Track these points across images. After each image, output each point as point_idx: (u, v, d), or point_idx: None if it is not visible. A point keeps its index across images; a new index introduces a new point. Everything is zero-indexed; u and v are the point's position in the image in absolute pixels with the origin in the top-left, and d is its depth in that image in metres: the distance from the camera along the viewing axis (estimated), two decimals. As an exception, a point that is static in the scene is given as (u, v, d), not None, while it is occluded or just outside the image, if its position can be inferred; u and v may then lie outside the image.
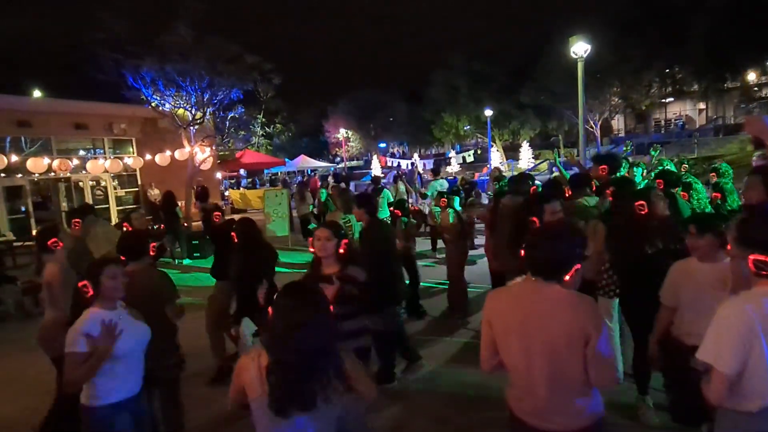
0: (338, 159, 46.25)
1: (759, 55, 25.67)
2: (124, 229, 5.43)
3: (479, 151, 39.90)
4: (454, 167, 36.89)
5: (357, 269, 2.97)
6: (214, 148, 14.10)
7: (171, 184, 11.93)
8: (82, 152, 15.96)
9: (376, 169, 34.90)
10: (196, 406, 3.64)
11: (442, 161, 39.65)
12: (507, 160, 33.20)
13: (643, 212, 3.37)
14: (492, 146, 32.85)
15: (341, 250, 2.95)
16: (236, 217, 5.41)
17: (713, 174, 5.73)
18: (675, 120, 35.10)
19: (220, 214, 5.13)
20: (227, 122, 16.26)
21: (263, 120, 17.84)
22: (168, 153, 13.92)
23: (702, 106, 34.52)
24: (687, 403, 2.78)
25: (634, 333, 3.51)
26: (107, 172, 14.62)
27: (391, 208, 9.36)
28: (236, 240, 3.89)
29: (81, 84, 14.78)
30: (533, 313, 1.89)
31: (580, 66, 10.58)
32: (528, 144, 33.26)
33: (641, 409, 3.44)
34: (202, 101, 13.55)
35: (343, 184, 10.30)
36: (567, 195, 4.33)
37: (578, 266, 1.88)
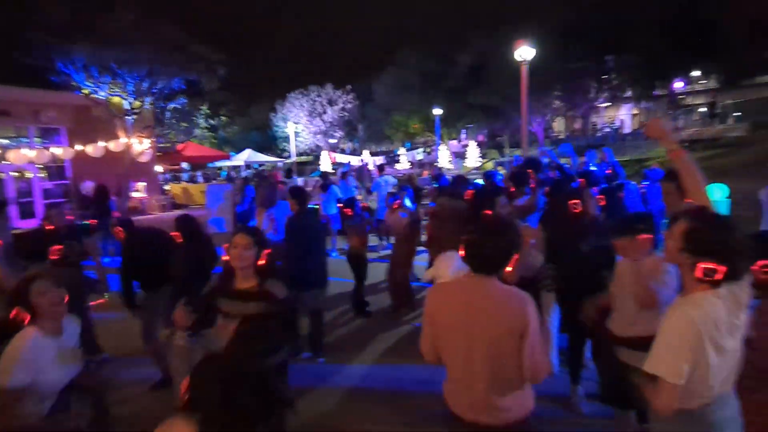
0: (287, 154, 45.39)
1: (684, 67, 27.72)
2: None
3: (428, 150, 40.49)
4: (404, 165, 37.23)
5: (278, 285, 2.57)
6: (153, 139, 13.40)
7: (107, 178, 11.24)
8: (3, 141, 14.70)
9: (325, 165, 34.60)
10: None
11: (391, 159, 39.94)
12: (455, 159, 33.89)
13: (576, 210, 3.53)
14: (440, 144, 33.43)
15: (261, 261, 2.52)
16: (177, 212, 5.07)
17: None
18: (610, 124, 37.16)
19: (121, 230, 4.37)
20: (168, 113, 15.51)
21: (207, 112, 17.12)
22: (102, 144, 13.10)
23: (635, 111, 36.78)
24: (614, 387, 2.93)
25: (568, 326, 3.67)
26: (33, 162, 13.54)
27: (340, 205, 9.32)
28: (180, 238, 3.74)
29: (2, 67, 13.61)
30: (475, 309, 1.93)
31: (524, 70, 10.95)
32: (476, 144, 34.10)
33: (573, 398, 3.60)
34: (140, 90, 12.86)
35: (287, 178, 10.07)
36: (511, 191, 4.47)
37: (516, 256, 1.95)
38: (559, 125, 41.23)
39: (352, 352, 4.79)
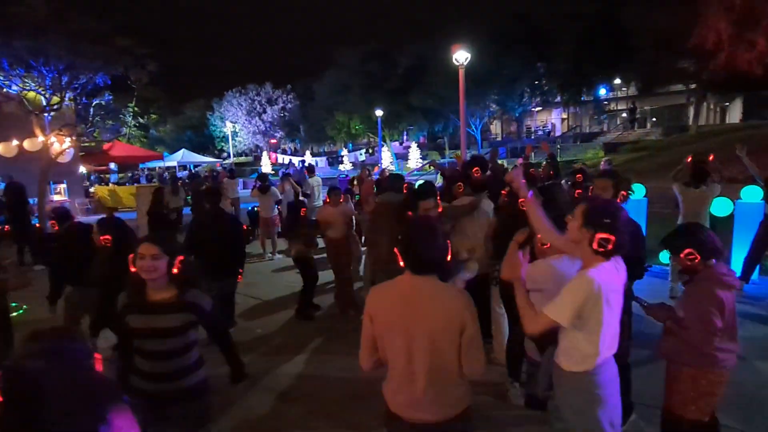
0: (225, 154, 43.89)
1: (606, 75, 29.76)
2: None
3: (371, 151, 40.67)
4: (346, 165, 37.16)
5: (199, 294, 2.38)
6: (75, 138, 12.42)
7: (23, 180, 10.26)
8: None
9: (266, 166, 33.81)
10: None
11: (334, 159, 39.75)
12: (397, 159, 34.28)
13: (524, 208, 3.68)
14: (383, 146, 33.68)
15: (175, 270, 2.31)
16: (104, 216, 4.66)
17: (579, 175, 6.39)
18: (543, 127, 39.15)
19: (54, 222, 4.42)
20: (91, 110, 14.45)
21: (136, 109, 16.10)
22: (15, 142, 11.99)
23: (564, 115, 38.97)
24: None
25: (510, 320, 3.80)
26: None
27: (279, 208, 9.10)
28: (110, 244, 3.48)
29: None
30: (414, 307, 1.94)
31: (460, 73, 11.26)
32: (417, 145, 34.69)
33: (510, 390, 3.73)
34: (59, 85, 11.88)
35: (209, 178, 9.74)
36: (455, 190, 4.55)
37: (450, 255, 2.03)
38: (496, 128, 42.85)
39: (292, 353, 4.70)
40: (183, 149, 28.74)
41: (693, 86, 25.22)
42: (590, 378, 2.12)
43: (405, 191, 4.90)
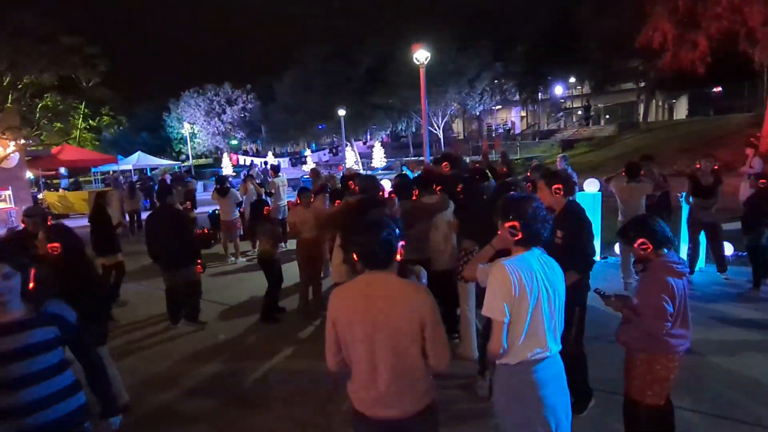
0: (183, 156, 42.62)
1: (564, 73, 30.73)
2: None
3: (335, 151, 40.45)
4: (310, 165, 36.83)
5: (61, 304, 2.17)
6: (20, 142, 11.77)
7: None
8: None
9: (227, 168, 33.08)
10: None
11: (297, 160, 39.31)
12: (361, 159, 34.25)
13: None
14: (347, 145, 33.57)
15: (31, 285, 2.10)
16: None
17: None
18: (503, 125, 40.03)
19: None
20: (38, 111, 13.73)
21: (86, 111, 15.35)
22: (-48, 147, 11.27)
23: (523, 113, 39.98)
24: None
25: (480, 315, 3.86)
26: None
27: (242, 210, 8.92)
28: (58, 252, 3.25)
29: None
30: (375, 305, 1.95)
31: (422, 72, 11.36)
32: (380, 144, 34.75)
33: (477, 382, 3.78)
34: (0, 85, 11.24)
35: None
36: (414, 195, 4.60)
37: (403, 242, 2.06)
38: (458, 126, 43.47)
39: (256, 359, 4.61)
40: (138, 152, 27.63)
41: (642, 84, 26.41)
42: (510, 371, 2.09)
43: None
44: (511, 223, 2.09)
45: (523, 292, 2.00)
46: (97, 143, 23.74)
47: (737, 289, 5.75)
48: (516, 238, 2.09)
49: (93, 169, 28.34)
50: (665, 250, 2.50)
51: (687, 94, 30.29)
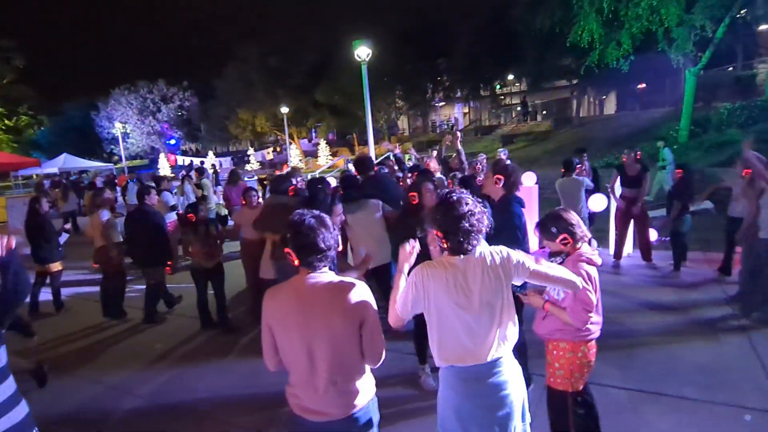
0: (116, 158, 40.24)
1: (502, 70, 31.76)
2: None
3: (279, 149, 39.65)
4: (253, 165, 35.89)
5: None
6: None
7: None
8: None
9: (164, 169, 31.56)
10: None
11: (240, 159, 38.18)
12: (306, 157, 33.79)
13: (414, 202, 3.83)
14: (291, 144, 32.99)
15: None
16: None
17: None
18: (447, 121, 40.81)
19: None
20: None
21: (1, 110, 14.07)
22: None
23: (466, 110, 40.95)
24: None
25: None
26: None
27: (180, 212, 8.48)
28: None
29: None
30: (311, 305, 1.91)
31: (363, 69, 11.31)
32: (326, 142, 34.42)
33: (421, 376, 3.83)
34: None
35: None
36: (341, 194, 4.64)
37: (340, 249, 2.01)
38: (403, 123, 43.85)
39: (197, 367, 4.43)
40: (64, 153, 25.72)
41: (575, 81, 27.78)
42: (442, 374, 2.14)
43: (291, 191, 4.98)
44: (437, 233, 2.07)
45: (425, 301, 2.05)
46: (15, 145, 21.82)
47: (660, 272, 6.18)
48: (441, 245, 2.09)
49: (12, 174, 26.15)
50: (581, 243, 2.61)
51: (615, 90, 32.19)
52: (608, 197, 6.77)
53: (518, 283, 2.13)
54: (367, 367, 2.05)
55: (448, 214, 2.02)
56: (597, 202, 6.72)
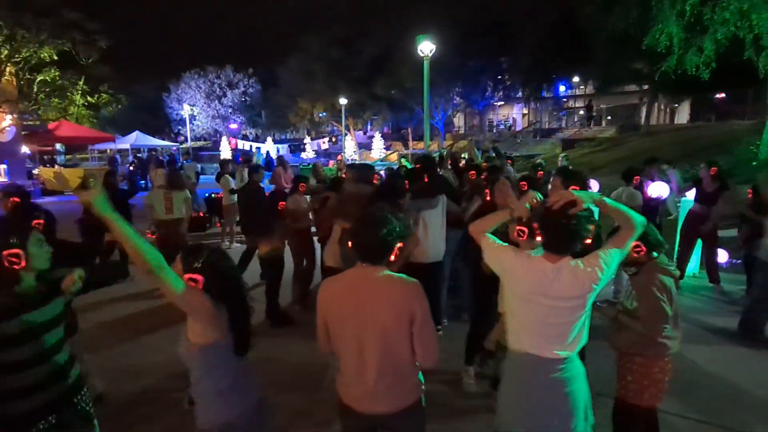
0: (182, 138, 42.35)
1: (568, 72, 30.58)
2: None
3: (334, 140, 40.27)
4: (309, 153, 36.67)
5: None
6: (16, 116, 11.63)
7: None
8: None
9: (225, 152, 32.88)
10: None
11: (296, 146, 39.15)
12: (360, 149, 34.12)
13: (488, 199, 3.88)
14: (347, 135, 33.41)
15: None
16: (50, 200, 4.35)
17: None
18: (505, 121, 39.90)
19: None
20: (36, 86, 13.56)
21: (84, 88, 15.18)
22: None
23: (525, 111, 39.84)
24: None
25: (476, 306, 3.90)
26: None
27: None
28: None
29: None
30: (365, 299, 1.94)
31: (425, 64, 11.26)
32: (380, 135, 34.58)
33: (464, 378, 3.79)
34: (-2, 57, 11.07)
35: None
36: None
37: (401, 245, 2.01)
38: (459, 120, 43.32)
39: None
40: (136, 131, 27.40)
41: (646, 87, 26.31)
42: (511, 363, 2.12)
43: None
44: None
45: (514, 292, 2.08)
46: (94, 121, 23.52)
47: (727, 297, 5.77)
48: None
49: (89, 147, 28.16)
50: (655, 254, 2.50)
51: (689, 98, 30.23)
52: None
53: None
54: (417, 366, 2.05)
55: (560, 213, 1.92)
56: (656, 189, 6.16)
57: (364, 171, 5.18)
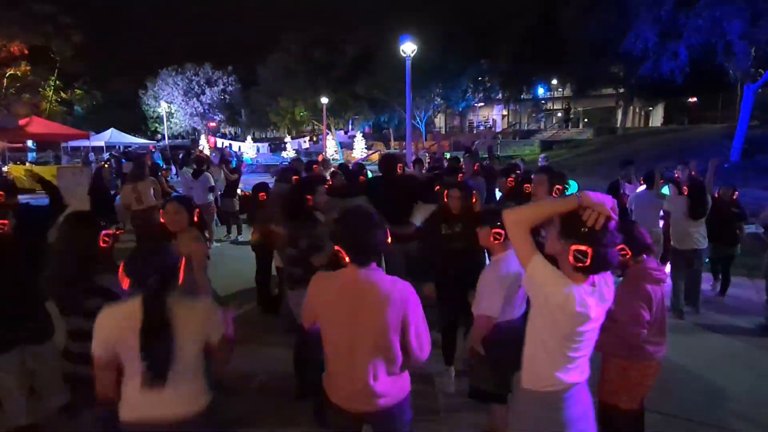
0: (159, 136, 41.50)
1: (546, 74, 31.05)
2: None
3: (315, 139, 40.02)
4: (289, 152, 36.37)
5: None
6: (-16, 111, 11.22)
7: None
8: None
9: (204, 150, 32.33)
10: None
11: (276, 146, 38.79)
12: (342, 148, 34.00)
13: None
14: (328, 134, 33.24)
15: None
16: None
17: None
18: (485, 122, 40.29)
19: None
20: (5, 80, 13.11)
21: (57, 83, 14.70)
22: None
23: (505, 112, 40.31)
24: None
25: (445, 308, 3.88)
26: None
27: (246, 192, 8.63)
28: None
29: None
30: (359, 302, 1.92)
31: (407, 64, 11.29)
32: (362, 135, 34.51)
33: (444, 377, 3.78)
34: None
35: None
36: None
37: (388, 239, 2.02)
38: (440, 121, 43.56)
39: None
40: (111, 129, 26.71)
41: (622, 90, 26.91)
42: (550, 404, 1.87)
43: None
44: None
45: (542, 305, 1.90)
46: (68, 117, 22.88)
47: (702, 296, 5.91)
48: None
49: (62, 144, 27.33)
50: (644, 257, 2.52)
51: (663, 102, 31.03)
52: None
53: None
54: (404, 365, 2.04)
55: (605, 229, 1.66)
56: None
57: (287, 172, 5.20)
